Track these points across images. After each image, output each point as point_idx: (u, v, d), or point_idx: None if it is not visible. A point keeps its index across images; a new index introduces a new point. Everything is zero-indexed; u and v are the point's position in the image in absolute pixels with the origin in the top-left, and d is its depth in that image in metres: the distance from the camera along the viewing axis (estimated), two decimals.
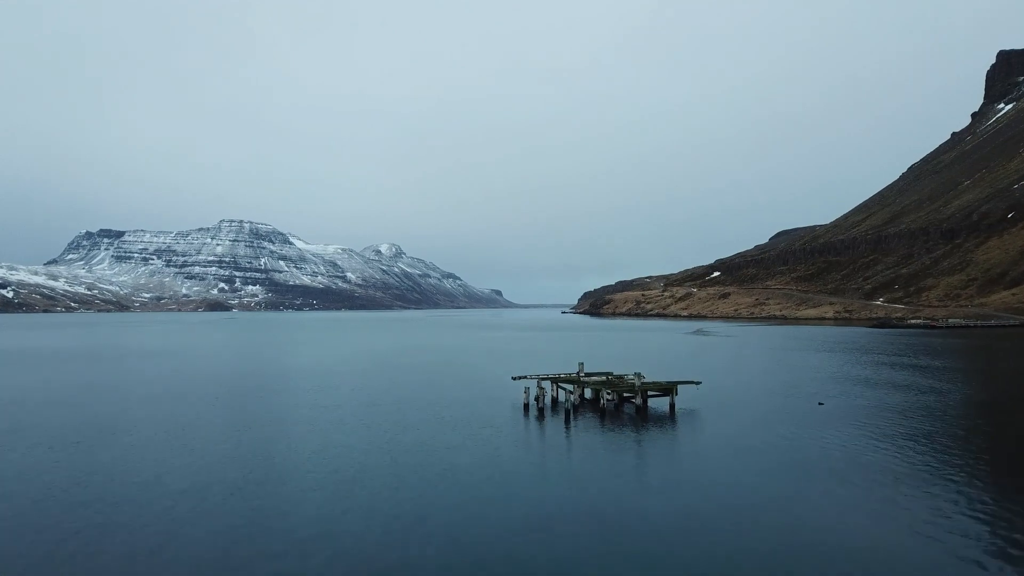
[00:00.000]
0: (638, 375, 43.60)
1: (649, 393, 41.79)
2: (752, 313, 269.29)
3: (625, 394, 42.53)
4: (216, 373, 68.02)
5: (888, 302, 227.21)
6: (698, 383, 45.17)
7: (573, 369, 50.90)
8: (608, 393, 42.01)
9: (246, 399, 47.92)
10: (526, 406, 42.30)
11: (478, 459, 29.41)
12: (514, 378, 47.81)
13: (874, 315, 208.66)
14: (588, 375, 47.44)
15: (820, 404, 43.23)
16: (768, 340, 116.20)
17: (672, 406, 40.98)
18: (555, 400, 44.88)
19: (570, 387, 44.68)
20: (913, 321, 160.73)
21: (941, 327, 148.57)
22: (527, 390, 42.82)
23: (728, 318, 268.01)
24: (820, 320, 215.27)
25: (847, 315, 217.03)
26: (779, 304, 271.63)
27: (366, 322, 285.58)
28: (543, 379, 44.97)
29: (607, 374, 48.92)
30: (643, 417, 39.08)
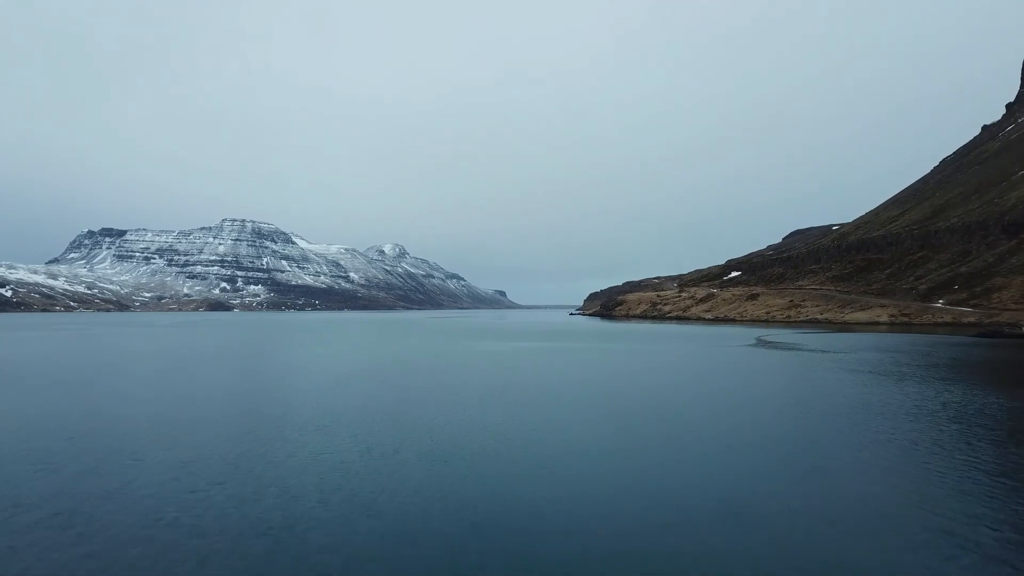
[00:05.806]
0: None
1: None
2: (788, 316, 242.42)
3: None
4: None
5: (950, 304, 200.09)
6: None
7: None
8: None
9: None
10: None
11: None
12: None
13: (938, 319, 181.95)
14: None
15: None
16: (891, 359, 78.43)
17: None
18: None
19: None
20: None
21: None
22: None
23: (760, 321, 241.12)
24: (874, 325, 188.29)
25: (905, 319, 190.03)
26: (818, 306, 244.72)
27: (358, 326, 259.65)
28: None
29: None
30: None
